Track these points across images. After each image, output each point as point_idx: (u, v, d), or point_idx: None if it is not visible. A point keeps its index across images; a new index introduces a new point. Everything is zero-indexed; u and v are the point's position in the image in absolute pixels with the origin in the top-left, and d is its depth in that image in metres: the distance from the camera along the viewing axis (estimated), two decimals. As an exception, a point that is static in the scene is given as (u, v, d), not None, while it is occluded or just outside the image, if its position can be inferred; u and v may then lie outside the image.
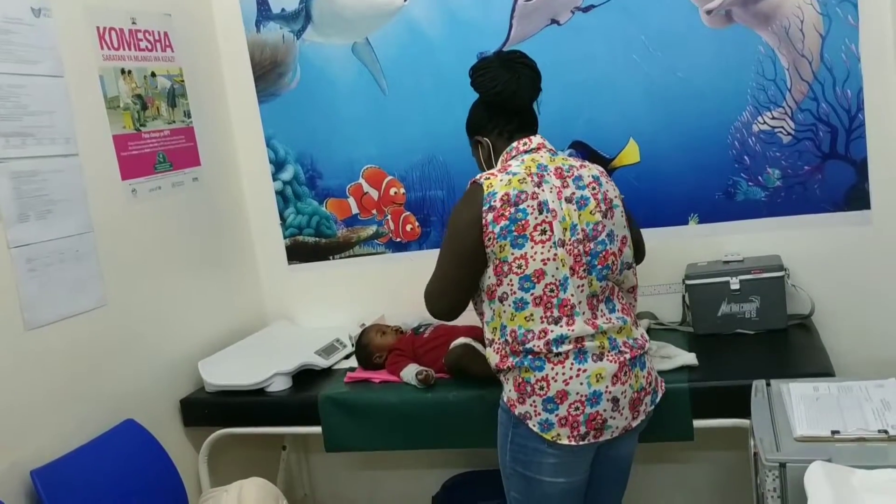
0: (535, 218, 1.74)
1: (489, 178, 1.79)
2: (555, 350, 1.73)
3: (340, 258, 2.95)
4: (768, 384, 1.80)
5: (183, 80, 2.70)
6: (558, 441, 1.74)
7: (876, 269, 2.40)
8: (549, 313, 1.74)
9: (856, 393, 1.66)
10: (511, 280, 1.75)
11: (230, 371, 2.54)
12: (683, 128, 2.50)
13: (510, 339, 1.78)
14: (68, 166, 2.19)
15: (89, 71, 2.32)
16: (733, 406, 1.98)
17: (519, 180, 1.77)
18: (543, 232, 1.74)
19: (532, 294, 1.74)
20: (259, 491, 2.09)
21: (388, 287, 2.85)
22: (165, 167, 2.58)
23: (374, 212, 2.88)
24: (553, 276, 1.74)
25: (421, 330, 2.53)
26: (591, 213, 1.79)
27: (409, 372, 2.31)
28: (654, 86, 2.50)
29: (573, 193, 1.79)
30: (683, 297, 2.47)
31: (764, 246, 2.46)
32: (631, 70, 2.51)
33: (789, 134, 2.42)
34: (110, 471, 2.11)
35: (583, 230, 1.77)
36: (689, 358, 2.14)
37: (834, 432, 1.48)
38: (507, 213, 1.74)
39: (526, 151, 1.84)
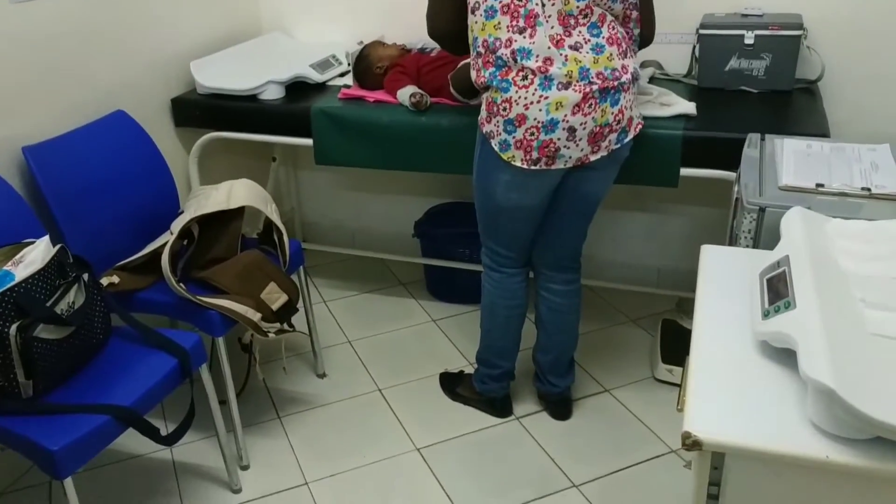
0: None
1: None
2: (520, 61, 1.74)
3: (342, -31, 2.78)
4: (762, 138, 1.80)
5: None
6: (513, 162, 1.82)
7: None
8: (514, 22, 1.73)
9: (847, 153, 1.67)
10: None
11: (223, 74, 2.48)
12: None
13: (482, 51, 1.79)
14: None
15: None
16: (723, 158, 2.01)
17: None
18: None
19: (501, 2, 1.73)
20: (249, 190, 2.12)
21: (390, 6, 2.72)
22: None
23: (381, -80, 2.66)
24: None
25: (427, 49, 2.47)
26: None
27: (405, 93, 2.27)
28: None
29: None
30: (694, 48, 2.39)
31: (788, 2, 2.34)
32: None
33: None
34: (101, 156, 2.13)
35: None
36: (689, 107, 2.11)
37: (818, 185, 1.51)
38: None
39: None
